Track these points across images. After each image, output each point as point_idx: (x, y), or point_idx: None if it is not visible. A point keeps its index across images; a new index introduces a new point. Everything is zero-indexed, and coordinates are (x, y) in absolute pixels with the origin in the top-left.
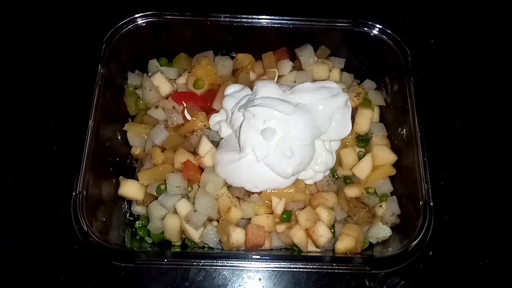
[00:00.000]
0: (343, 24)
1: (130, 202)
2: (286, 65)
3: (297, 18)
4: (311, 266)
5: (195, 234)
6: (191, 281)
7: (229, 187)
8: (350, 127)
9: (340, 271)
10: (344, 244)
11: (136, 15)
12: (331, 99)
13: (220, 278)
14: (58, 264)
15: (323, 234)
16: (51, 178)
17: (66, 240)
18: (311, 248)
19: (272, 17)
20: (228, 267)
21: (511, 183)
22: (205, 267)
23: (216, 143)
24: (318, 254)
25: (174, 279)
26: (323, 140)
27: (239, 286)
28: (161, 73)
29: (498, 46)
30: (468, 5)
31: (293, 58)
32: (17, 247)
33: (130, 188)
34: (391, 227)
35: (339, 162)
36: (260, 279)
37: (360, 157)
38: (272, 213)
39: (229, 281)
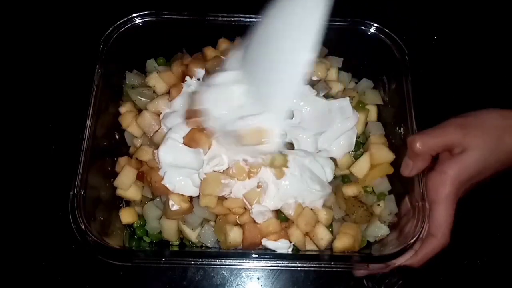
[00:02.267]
0: (340, 23)
1: (128, 201)
2: None
3: None
4: (309, 265)
5: (192, 235)
6: (189, 280)
7: None
8: (353, 145)
9: (338, 269)
10: (342, 243)
11: (134, 15)
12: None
13: (219, 277)
14: (56, 264)
15: (323, 237)
16: (49, 178)
17: (64, 239)
18: (309, 246)
19: None
20: (226, 265)
21: (510, 182)
22: (203, 265)
23: None
24: (316, 253)
25: (172, 278)
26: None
27: (238, 285)
28: (158, 72)
29: (497, 45)
30: (467, 4)
31: None
32: (15, 247)
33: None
34: (388, 226)
35: (335, 162)
36: (258, 278)
37: (357, 156)
38: None
39: (227, 280)
